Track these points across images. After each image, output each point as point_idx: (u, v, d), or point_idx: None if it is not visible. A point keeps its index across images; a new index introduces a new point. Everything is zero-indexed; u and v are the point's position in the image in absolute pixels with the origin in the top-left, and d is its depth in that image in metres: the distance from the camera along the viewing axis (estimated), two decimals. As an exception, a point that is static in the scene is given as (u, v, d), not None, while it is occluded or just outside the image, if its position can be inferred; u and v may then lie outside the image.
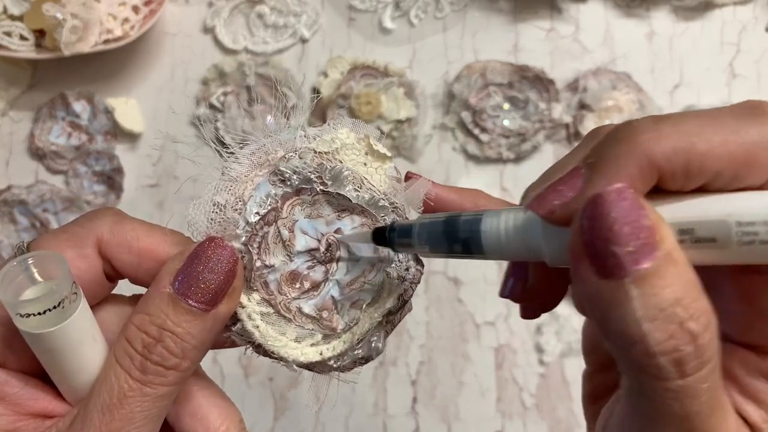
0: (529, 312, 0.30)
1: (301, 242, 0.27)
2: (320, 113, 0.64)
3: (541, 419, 0.62)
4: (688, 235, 0.20)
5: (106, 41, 0.61)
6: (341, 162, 0.27)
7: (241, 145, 0.26)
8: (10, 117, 0.65)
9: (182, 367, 0.24)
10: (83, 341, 0.24)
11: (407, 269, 0.27)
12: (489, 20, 0.66)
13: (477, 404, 0.62)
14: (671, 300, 0.19)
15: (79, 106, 0.64)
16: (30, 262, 0.23)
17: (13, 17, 0.60)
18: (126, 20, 0.61)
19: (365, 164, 0.27)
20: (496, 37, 0.66)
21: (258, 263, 0.26)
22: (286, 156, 0.26)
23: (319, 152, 0.26)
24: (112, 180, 0.64)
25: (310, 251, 0.27)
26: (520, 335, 0.63)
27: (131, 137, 0.65)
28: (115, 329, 0.26)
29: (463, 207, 0.28)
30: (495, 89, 0.64)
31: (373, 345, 0.26)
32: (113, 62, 0.65)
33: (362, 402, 0.63)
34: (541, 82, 0.63)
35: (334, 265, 0.27)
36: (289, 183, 0.26)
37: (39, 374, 0.25)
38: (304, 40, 0.66)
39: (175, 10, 0.66)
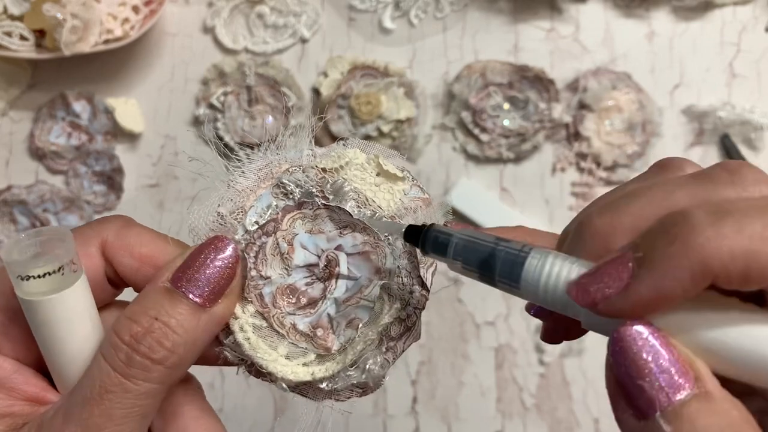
0: (553, 336, 0.29)
1: (300, 256, 0.26)
2: (320, 113, 0.64)
3: (541, 419, 0.62)
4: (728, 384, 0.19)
5: (106, 41, 0.60)
6: (344, 178, 0.26)
7: (249, 160, 0.26)
8: (10, 117, 0.65)
9: (169, 362, 0.23)
10: (80, 318, 0.24)
11: (411, 293, 0.26)
12: (489, 20, 0.66)
13: (477, 404, 0.62)
14: None
15: (79, 106, 0.64)
16: (37, 237, 0.24)
17: (13, 17, 0.60)
18: (126, 20, 0.61)
19: (376, 185, 0.26)
20: (496, 37, 0.66)
21: (254, 272, 0.26)
22: (290, 169, 0.26)
23: (323, 168, 0.26)
24: (112, 180, 0.64)
25: (309, 267, 0.27)
26: (520, 335, 0.63)
27: (131, 137, 0.65)
28: None
29: None
30: (495, 89, 0.64)
31: (368, 368, 0.25)
32: (113, 62, 0.65)
33: (362, 402, 0.62)
34: (541, 82, 0.63)
35: (333, 282, 0.26)
36: (291, 196, 0.26)
37: (33, 365, 0.26)
38: (304, 40, 0.66)
39: (175, 10, 0.66)
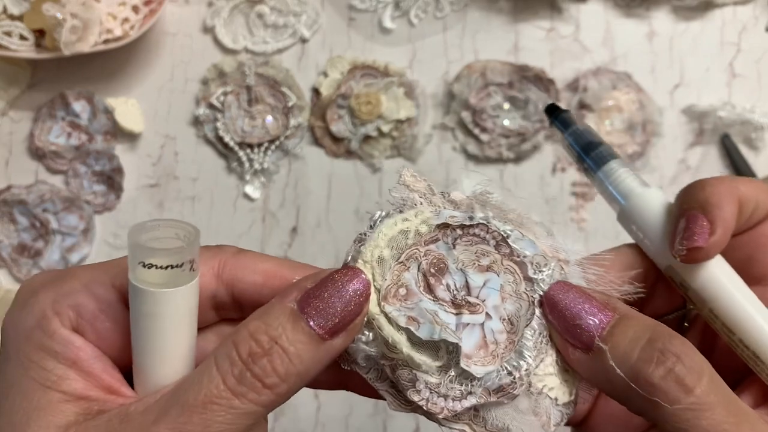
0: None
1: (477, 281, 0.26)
2: (320, 113, 0.64)
3: (541, 419, 0.62)
4: None
5: (106, 41, 0.60)
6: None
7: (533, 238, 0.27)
8: (10, 117, 0.65)
9: (278, 390, 0.23)
10: (185, 319, 0.24)
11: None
12: (489, 20, 0.66)
13: (477, 404, 0.62)
14: (645, 338, 0.23)
15: (79, 106, 0.64)
16: (166, 226, 0.23)
17: (12, 17, 0.60)
18: (126, 20, 0.61)
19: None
20: (496, 36, 0.66)
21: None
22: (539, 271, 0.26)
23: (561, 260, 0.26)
24: (111, 180, 0.64)
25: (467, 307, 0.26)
26: (520, 335, 0.63)
27: (131, 137, 0.65)
28: (210, 348, 0.25)
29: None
30: (495, 89, 0.63)
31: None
32: (113, 62, 0.65)
33: (362, 402, 0.62)
34: (541, 81, 0.63)
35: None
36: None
37: (111, 358, 0.25)
38: (304, 40, 0.66)
39: (175, 9, 0.66)
